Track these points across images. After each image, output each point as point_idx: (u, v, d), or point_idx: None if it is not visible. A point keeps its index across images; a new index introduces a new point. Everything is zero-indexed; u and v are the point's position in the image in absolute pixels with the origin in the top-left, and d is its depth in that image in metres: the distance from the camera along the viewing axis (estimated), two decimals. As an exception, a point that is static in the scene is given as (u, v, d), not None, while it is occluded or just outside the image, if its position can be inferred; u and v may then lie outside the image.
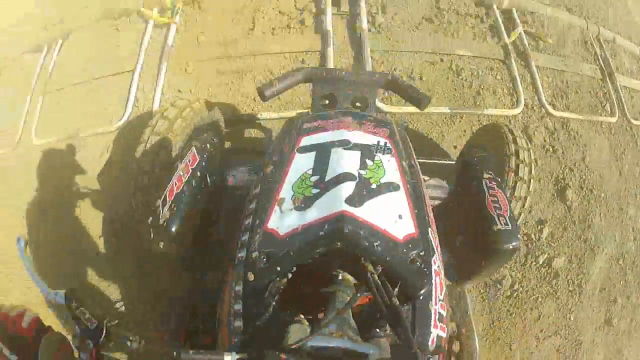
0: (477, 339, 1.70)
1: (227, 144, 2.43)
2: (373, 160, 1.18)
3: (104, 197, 2.40)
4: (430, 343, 0.99)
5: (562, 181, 2.75)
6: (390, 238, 1.01)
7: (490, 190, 1.52)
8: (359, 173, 1.12)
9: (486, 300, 2.43)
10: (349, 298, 0.92)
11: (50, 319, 2.01)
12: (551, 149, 2.79)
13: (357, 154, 1.18)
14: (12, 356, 0.77)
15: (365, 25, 2.80)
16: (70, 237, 2.33)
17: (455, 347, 1.73)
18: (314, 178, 1.11)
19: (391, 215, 1.05)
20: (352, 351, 0.80)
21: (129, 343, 0.75)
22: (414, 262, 1.01)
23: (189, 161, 1.45)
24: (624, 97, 3.40)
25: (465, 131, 2.67)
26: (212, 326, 1.14)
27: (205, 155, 1.49)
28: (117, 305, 2.20)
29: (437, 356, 1.00)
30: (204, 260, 1.52)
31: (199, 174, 1.43)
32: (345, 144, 1.21)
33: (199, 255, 1.50)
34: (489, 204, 1.47)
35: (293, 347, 0.78)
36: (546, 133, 2.81)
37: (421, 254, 1.02)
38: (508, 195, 2.03)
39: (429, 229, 1.13)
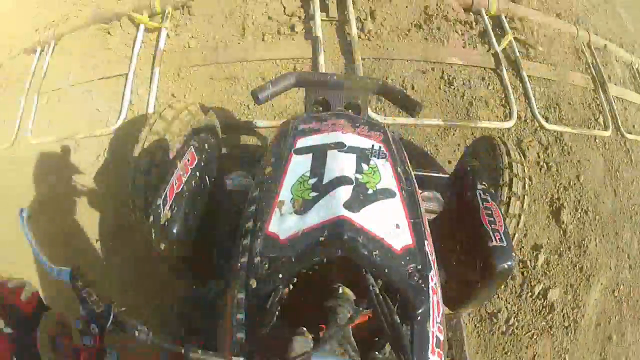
0: None
1: (224, 150, 2.34)
2: (369, 165, 1.15)
3: (101, 198, 2.38)
4: None
5: (557, 201, 2.53)
6: (389, 248, 0.97)
7: (484, 203, 1.43)
8: (355, 177, 1.09)
9: (482, 336, 2.21)
10: (349, 314, 0.89)
11: (51, 299, 1.88)
12: (545, 166, 2.57)
13: (352, 157, 1.16)
14: (7, 328, 0.74)
15: (354, 31, 2.67)
16: (65, 238, 2.29)
17: None
18: (312, 181, 1.09)
19: (388, 224, 1.02)
20: None
21: (136, 333, 0.68)
22: (412, 277, 0.95)
23: (188, 160, 1.42)
24: (617, 109, 3.21)
25: (459, 145, 2.50)
26: (210, 342, 1.09)
27: (203, 156, 1.45)
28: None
29: None
30: (203, 269, 1.46)
31: (198, 174, 1.40)
32: (340, 147, 1.19)
33: (198, 263, 1.43)
34: (483, 217, 1.38)
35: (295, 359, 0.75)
36: (540, 148, 2.60)
37: (418, 267, 0.97)
38: (502, 212, 1.88)
39: (426, 241, 1.06)
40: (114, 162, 2.44)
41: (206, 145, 1.51)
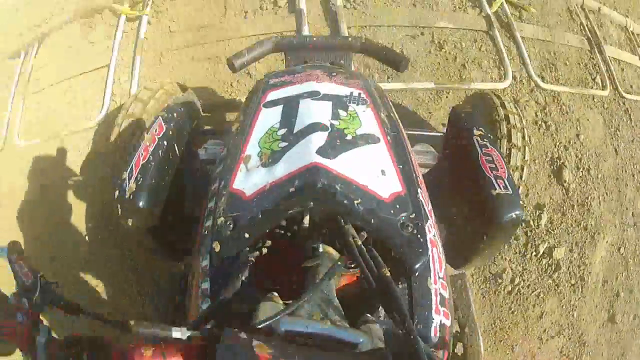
0: (481, 340, 1.47)
1: (207, 127, 2.31)
2: (347, 111, 1.06)
3: (90, 191, 2.37)
4: (432, 333, 0.80)
5: (558, 160, 2.49)
6: (374, 196, 0.87)
7: (483, 149, 1.26)
8: (331, 123, 0.99)
9: (487, 297, 2.18)
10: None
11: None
12: (544, 125, 2.53)
13: (328, 104, 1.07)
14: None
15: (339, 1, 2.61)
16: (57, 233, 2.29)
17: (458, 349, 1.48)
18: (281, 131, 1.01)
19: (372, 170, 0.92)
20: (337, 339, 0.64)
21: (65, 305, 0.67)
22: (405, 227, 0.86)
23: (155, 130, 1.33)
24: (614, 70, 3.16)
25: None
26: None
27: (172, 124, 1.36)
28: (106, 298, 2.17)
29: (441, 352, 0.81)
30: (178, 244, 1.39)
31: (165, 143, 1.30)
32: (314, 95, 1.10)
33: (172, 238, 1.36)
34: (484, 164, 1.22)
35: (259, 327, 0.63)
36: (537, 107, 2.56)
37: (412, 216, 0.88)
38: (504, 157, 1.81)
39: (419, 189, 0.96)
40: (98, 155, 2.42)
41: (175, 114, 1.43)
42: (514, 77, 2.56)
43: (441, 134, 1.84)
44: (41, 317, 0.66)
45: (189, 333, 0.62)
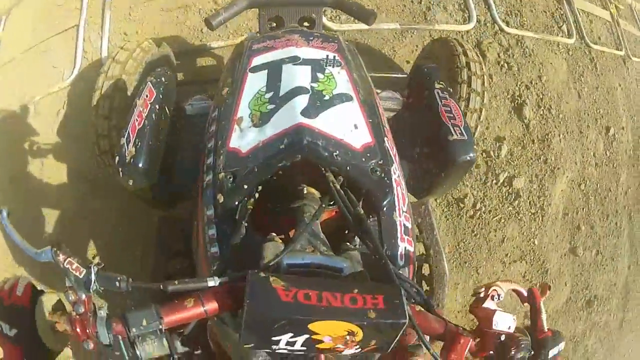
0: (446, 261, 1.65)
1: (180, 77, 2.42)
2: (324, 73, 1.20)
3: (69, 154, 2.37)
4: (399, 257, 0.98)
5: (519, 98, 2.62)
6: (349, 147, 1.04)
7: (443, 100, 1.49)
8: (311, 86, 1.14)
9: (450, 220, 2.31)
10: (315, 212, 0.94)
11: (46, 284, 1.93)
12: (506, 65, 2.65)
13: (307, 68, 1.21)
14: (12, 330, 0.74)
15: None
16: (44, 204, 2.31)
17: (425, 270, 1.67)
18: (268, 95, 1.14)
19: (347, 125, 1.08)
20: (326, 266, 0.80)
21: (117, 284, 0.72)
22: (374, 172, 1.03)
23: (147, 96, 1.47)
24: (582, 21, 3.26)
25: (417, 46, 2.51)
26: (190, 263, 1.16)
27: (161, 88, 1.50)
28: (97, 260, 2.20)
29: (407, 268, 0.99)
30: (170, 193, 1.52)
31: (157, 107, 1.44)
32: (295, 60, 1.23)
33: (165, 188, 1.49)
34: (443, 114, 1.45)
35: (270, 264, 0.78)
36: (500, 49, 2.66)
37: (380, 162, 1.04)
38: (462, 108, 1.99)
39: (385, 138, 1.14)
40: (74, 114, 2.44)
41: (163, 79, 1.55)
42: (479, 21, 2.66)
43: (405, 75, 2.00)
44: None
45: (220, 280, 0.75)
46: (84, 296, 0.70)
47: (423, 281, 1.65)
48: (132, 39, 2.42)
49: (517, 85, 2.64)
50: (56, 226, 2.25)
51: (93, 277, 0.71)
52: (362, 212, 0.91)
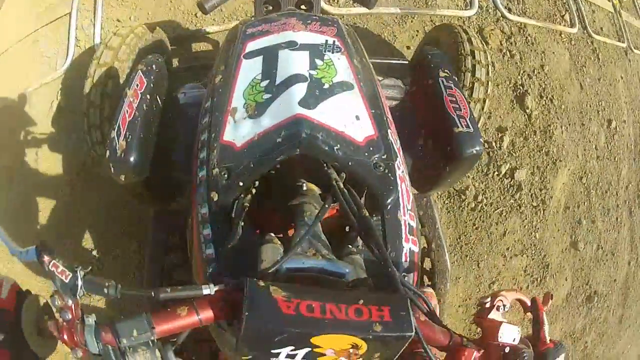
0: (447, 255, 1.59)
1: (175, 63, 2.34)
2: (323, 60, 1.13)
3: (64, 145, 2.32)
4: (403, 259, 0.92)
5: (521, 87, 2.55)
6: (351, 141, 0.97)
7: (447, 90, 1.40)
8: (309, 73, 1.07)
9: (451, 212, 2.24)
10: (316, 210, 0.86)
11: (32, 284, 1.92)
12: (508, 53, 2.57)
13: (305, 54, 1.13)
14: None
15: None
16: (39, 196, 2.25)
17: (427, 265, 1.60)
18: (264, 83, 1.07)
19: (348, 117, 1.01)
20: (328, 271, 0.75)
21: (106, 290, 0.68)
22: (377, 167, 0.96)
23: (137, 86, 1.38)
24: (585, 10, 3.19)
25: (417, 32, 2.44)
26: (187, 256, 1.10)
27: (152, 77, 1.41)
28: (93, 253, 2.16)
29: (411, 275, 0.93)
30: (165, 188, 1.47)
31: (148, 97, 1.36)
32: (292, 45, 1.16)
33: (159, 184, 1.42)
34: (448, 104, 1.36)
35: (270, 271, 0.73)
36: (502, 37, 2.59)
37: (383, 157, 0.98)
38: (466, 97, 1.87)
39: (389, 130, 1.06)
40: (69, 104, 2.39)
41: (154, 67, 1.47)
42: (480, 7, 2.58)
43: (407, 61, 1.92)
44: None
45: (216, 287, 0.70)
46: (70, 302, 0.65)
47: (425, 276, 1.58)
48: (126, 25, 2.36)
49: (519, 74, 2.57)
50: (51, 218, 2.18)
51: (79, 282, 0.67)
52: (368, 214, 0.84)
